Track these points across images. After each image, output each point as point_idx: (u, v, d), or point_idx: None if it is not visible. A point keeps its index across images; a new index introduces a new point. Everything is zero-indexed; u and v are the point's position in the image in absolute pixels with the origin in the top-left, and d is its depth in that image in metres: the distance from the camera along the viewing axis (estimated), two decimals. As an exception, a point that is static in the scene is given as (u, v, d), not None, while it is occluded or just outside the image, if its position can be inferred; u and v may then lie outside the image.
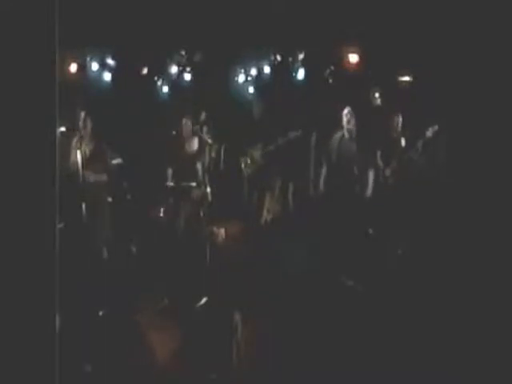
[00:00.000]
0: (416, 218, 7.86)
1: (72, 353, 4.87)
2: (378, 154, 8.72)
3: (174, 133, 8.64)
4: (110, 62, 9.05)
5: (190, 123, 8.23)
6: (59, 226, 3.57)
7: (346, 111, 8.24)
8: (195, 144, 8.29)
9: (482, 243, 6.36)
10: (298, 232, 8.11)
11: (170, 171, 8.27)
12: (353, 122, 8.21)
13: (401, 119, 8.75)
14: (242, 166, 9.07)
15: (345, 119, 8.23)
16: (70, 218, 7.06)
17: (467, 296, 6.11)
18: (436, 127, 8.27)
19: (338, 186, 8.21)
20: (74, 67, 8.65)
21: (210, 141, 8.41)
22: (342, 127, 8.27)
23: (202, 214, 7.96)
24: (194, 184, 8.02)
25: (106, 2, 7.70)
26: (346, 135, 8.27)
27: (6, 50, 3.34)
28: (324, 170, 8.42)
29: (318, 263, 7.39)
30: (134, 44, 8.46)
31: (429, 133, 8.36)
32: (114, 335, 5.87)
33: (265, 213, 8.87)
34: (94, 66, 8.95)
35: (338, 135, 8.36)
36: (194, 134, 8.27)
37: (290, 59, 9.53)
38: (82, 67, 8.80)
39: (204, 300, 6.79)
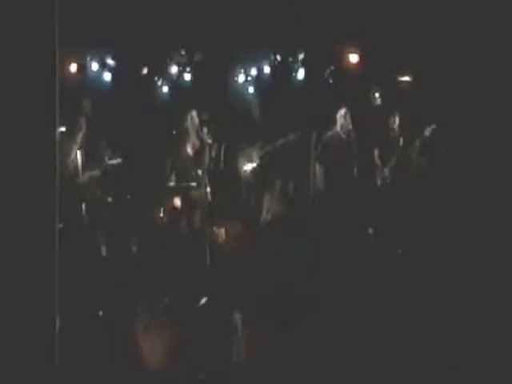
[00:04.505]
0: (416, 218, 7.86)
1: (72, 353, 4.87)
2: (377, 153, 8.73)
3: (173, 133, 8.63)
4: (110, 62, 9.05)
5: (196, 119, 8.19)
6: (59, 226, 3.57)
7: (343, 111, 8.25)
8: (195, 144, 8.28)
9: (483, 242, 6.36)
10: (298, 232, 8.11)
11: (170, 171, 8.26)
12: (350, 121, 8.23)
13: (400, 119, 8.77)
14: (242, 166, 9.06)
15: (343, 119, 8.25)
16: (70, 218, 7.06)
17: (468, 295, 6.11)
18: (434, 126, 8.28)
19: (338, 185, 8.22)
20: (74, 67, 8.65)
21: (210, 141, 8.40)
22: (339, 127, 8.29)
23: (201, 214, 7.95)
24: (193, 184, 8.01)
25: (106, 2, 7.70)
26: (344, 135, 8.28)
27: (6, 50, 3.34)
28: (324, 170, 8.43)
29: (318, 263, 7.38)
30: (134, 44, 8.46)
31: (427, 132, 8.37)
32: (114, 335, 5.86)
33: (264, 213, 8.87)
34: (94, 66, 8.94)
35: (336, 135, 8.37)
36: (194, 133, 8.26)
37: (290, 59, 9.52)
38: (82, 67, 8.79)
39: (204, 300, 6.79)
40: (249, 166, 9.03)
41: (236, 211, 8.84)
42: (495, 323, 5.58)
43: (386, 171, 8.65)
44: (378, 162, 8.73)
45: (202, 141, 8.27)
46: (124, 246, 7.94)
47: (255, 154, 8.98)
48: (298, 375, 5.40)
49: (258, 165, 8.97)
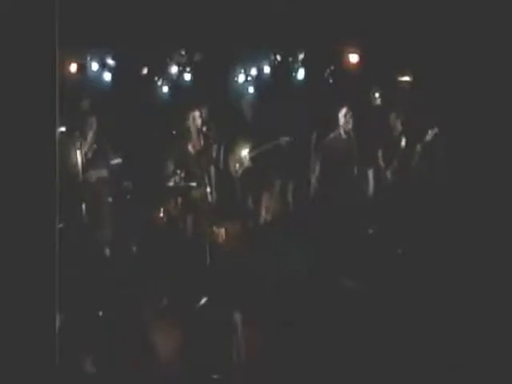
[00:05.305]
0: (416, 218, 7.86)
1: (72, 352, 4.88)
2: (377, 152, 8.73)
3: (173, 133, 8.63)
4: (110, 61, 9.05)
5: (198, 119, 8.17)
6: (59, 226, 3.57)
7: (344, 111, 8.25)
8: (195, 144, 8.28)
9: (482, 243, 6.37)
10: (298, 232, 8.11)
11: (170, 171, 8.26)
12: (351, 122, 8.24)
13: (400, 119, 8.77)
14: (241, 166, 9.05)
15: (344, 120, 8.26)
16: (70, 218, 7.06)
17: (467, 295, 6.11)
18: (435, 130, 8.27)
19: (338, 186, 8.21)
20: (74, 67, 8.65)
21: (210, 141, 8.41)
22: (340, 127, 8.30)
23: (201, 214, 7.95)
24: (193, 184, 8.02)
25: (106, 2, 7.71)
26: (345, 136, 8.29)
27: (6, 49, 3.34)
28: (324, 170, 8.43)
29: (317, 263, 7.38)
30: (134, 44, 8.46)
31: (428, 136, 8.36)
32: (114, 335, 5.86)
33: (264, 213, 8.86)
34: (94, 66, 8.94)
35: (337, 135, 8.37)
36: (194, 133, 8.26)
37: (290, 59, 9.52)
38: (82, 67, 8.79)
39: (204, 300, 6.79)
40: (248, 166, 9.03)
41: (236, 211, 8.83)
42: (495, 323, 5.58)
43: (386, 171, 8.65)
44: (377, 161, 8.72)
45: (203, 141, 8.28)
46: (124, 245, 7.94)
47: (248, 155, 8.96)
48: (298, 375, 5.40)
49: (253, 165, 8.94)
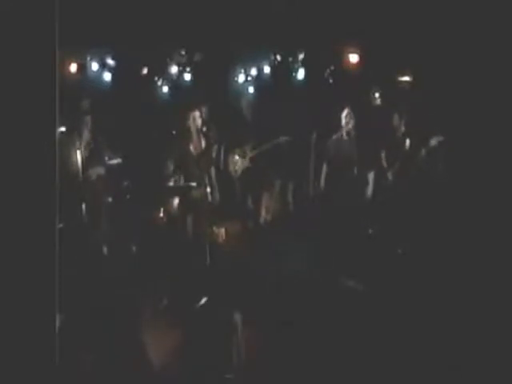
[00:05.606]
0: (416, 218, 7.86)
1: (72, 352, 4.88)
2: (375, 152, 8.73)
3: (173, 133, 8.63)
4: (110, 61, 9.05)
5: (199, 119, 8.17)
6: (59, 226, 3.57)
7: (345, 112, 8.26)
8: (195, 144, 8.28)
9: (482, 243, 6.37)
10: (298, 232, 8.11)
11: (170, 171, 8.26)
12: (353, 122, 8.25)
13: (400, 119, 8.76)
14: (241, 166, 9.06)
15: (345, 120, 8.26)
16: (70, 218, 7.07)
17: (467, 296, 6.11)
18: (440, 138, 8.25)
19: (338, 186, 8.22)
20: (74, 67, 8.66)
21: (210, 141, 8.41)
22: (341, 128, 8.31)
23: (201, 214, 7.95)
24: (194, 184, 8.02)
25: (106, 2, 7.71)
26: (346, 136, 8.29)
27: (6, 49, 3.34)
28: (324, 171, 8.43)
29: (318, 263, 7.38)
30: (134, 44, 8.46)
31: (432, 140, 8.34)
32: (114, 335, 5.86)
33: (264, 213, 8.87)
34: (94, 66, 8.95)
35: (338, 136, 8.37)
36: (194, 133, 8.26)
37: (290, 59, 9.53)
38: (82, 67, 8.80)
39: (204, 300, 6.79)
40: (245, 167, 9.04)
41: (236, 211, 8.84)
42: (495, 323, 5.58)
43: (388, 171, 8.64)
44: (379, 162, 8.72)
45: (203, 141, 8.28)
46: (124, 245, 7.94)
47: (248, 155, 8.97)
48: (298, 375, 5.40)
49: (253, 165, 8.95)
